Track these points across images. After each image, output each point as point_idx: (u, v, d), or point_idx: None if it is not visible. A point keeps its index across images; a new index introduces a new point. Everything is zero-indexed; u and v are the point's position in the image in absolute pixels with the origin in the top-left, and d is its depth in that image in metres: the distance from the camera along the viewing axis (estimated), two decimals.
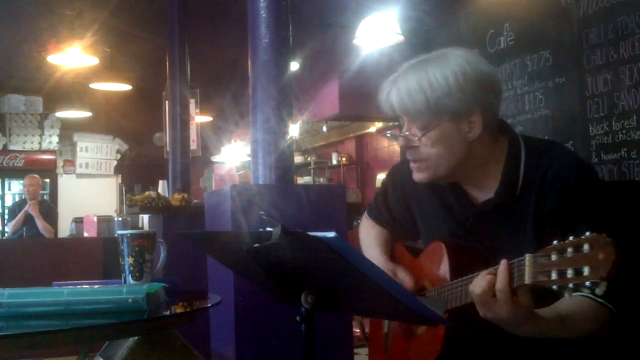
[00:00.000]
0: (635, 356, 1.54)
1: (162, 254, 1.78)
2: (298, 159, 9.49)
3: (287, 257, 1.16)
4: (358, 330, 2.72)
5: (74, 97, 8.17)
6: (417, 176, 1.47)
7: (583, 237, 1.03)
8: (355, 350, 2.58)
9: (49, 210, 7.06)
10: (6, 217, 8.27)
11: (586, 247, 1.02)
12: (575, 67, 4.04)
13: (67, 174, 10.69)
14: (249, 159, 2.74)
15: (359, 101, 6.99)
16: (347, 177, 9.74)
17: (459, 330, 1.34)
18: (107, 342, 1.78)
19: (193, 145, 5.59)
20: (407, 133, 1.43)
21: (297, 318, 1.19)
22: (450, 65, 1.38)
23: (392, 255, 1.75)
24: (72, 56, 5.87)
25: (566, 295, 1.05)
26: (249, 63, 2.47)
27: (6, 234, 7.90)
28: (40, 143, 9.99)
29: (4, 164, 9.72)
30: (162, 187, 5.03)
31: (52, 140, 10.05)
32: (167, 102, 5.35)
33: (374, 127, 8.81)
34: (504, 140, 1.46)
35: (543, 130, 4.26)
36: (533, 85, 4.40)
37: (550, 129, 4.23)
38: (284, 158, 2.41)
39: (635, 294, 1.43)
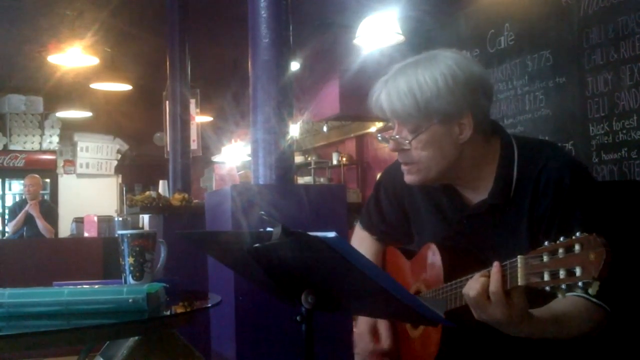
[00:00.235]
0: (632, 356, 1.54)
1: (163, 254, 1.78)
2: (298, 158, 9.48)
3: (287, 257, 1.16)
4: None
5: (75, 97, 8.17)
6: (408, 178, 1.47)
7: (574, 237, 1.03)
8: (355, 350, 2.58)
9: (50, 210, 7.06)
10: (7, 217, 8.28)
11: (577, 247, 1.02)
12: (575, 67, 4.04)
13: (68, 174, 10.70)
14: (250, 158, 2.74)
15: (360, 101, 6.93)
16: (348, 177, 9.74)
17: (455, 332, 1.34)
18: (108, 342, 1.78)
19: (193, 145, 5.59)
20: (397, 136, 1.43)
21: (298, 318, 1.19)
22: (439, 68, 1.37)
23: (383, 264, 1.75)
24: (73, 56, 5.87)
25: (559, 295, 1.05)
26: (250, 63, 2.47)
27: (7, 234, 7.91)
28: (40, 143, 9.99)
29: (5, 164, 9.72)
30: (162, 187, 5.03)
31: (52, 140, 10.06)
32: (167, 102, 5.35)
33: (374, 127, 8.80)
34: (496, 141, 1.45)
35: (543, 130, 4.26)
36: (533, 85, 4.40)
37: (551, 128, 4.23)
38: (284, 158, 2.41)
39: (633, 294, 1.43)
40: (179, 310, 1.65)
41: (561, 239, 1.05)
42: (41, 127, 9.95)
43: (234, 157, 10.00)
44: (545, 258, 1.06)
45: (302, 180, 9.22)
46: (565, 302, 1.27)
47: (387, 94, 1.40)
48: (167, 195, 4.65)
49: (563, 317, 1.26)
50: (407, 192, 1.62)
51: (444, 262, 1.43)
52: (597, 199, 1.37)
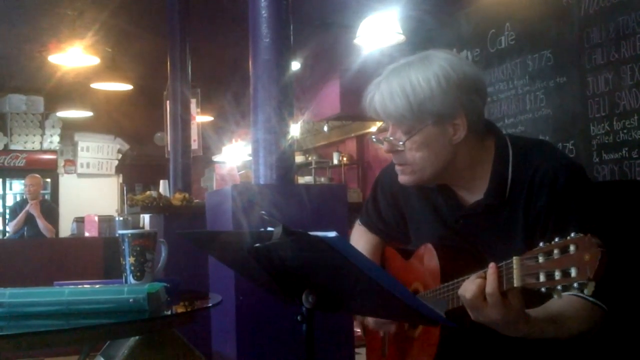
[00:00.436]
0: (630, 355, 1.54)
1: (163, 253, 1.78)
2: (299, 158, 9.47)
3: (288, 257, 1.16)
4: (359, 330, 2.72)
5: (75, 96, 8.17)
6: (403, 179, 1.47)
7: (569, 238, 1.03)
8: (356, 350, 2.58)
9: (50, 210, 7.06)
10: (7, 216, 8.29)
11: (572, 248, 1.02)
12: (576, 66, 4.04)
13: (68, 173, 10.70)
14: (250, 158, 2.74)
15: (360, 101, 6.93)
16: (348, 177, 9.73)
17: (454, 332, 1.34)
18: (108, 341, 1.78)
19: (194, 145, 5.59)
20: (391, 138, 1.43)
21: (298, 318, 1.19)
22: (432, 69, 1.36)
23: (381, 263, 1.75)
24: (73, 56, 5.88)
25: (555, 296, 1.05)
26: (250, 62, 2.47)
27: (7, 234, 7.92)
28: (41, 143, 9.99)
29: (5, 164, 9.72)
30: (163, 186, 5.03)
31: (53, 140, 10.06)
32: (168, 101, 5.35)
33: (375, 126, 8.80)
34: (491, 141, 1.45)
35: (544, 130, 4.26)
36: (534, 84, 4.40)
37: (551, 128, 4.23)
38: (285, 158, 2.41)
39: (631, 293, 1.43)
40: (180, 310, 1.65)
41: (556, 239, 1.05)
42: (42, 126, 9.95)
43: (235, 157, 10.00)
44: (540, 259, 1.06)
45: (302, 180, 9.21)
46: (562, 301, 1.26)
47: (380, 96, 1.40)
48: (167, 195, 4.65)
49: (560, 317, 1.26)
50: (404, 193, 1.62)
51: (440, 263, 1.43)
52: (592, 199, 1.36)
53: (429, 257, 1.47)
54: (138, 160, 11.61)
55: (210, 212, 2.76)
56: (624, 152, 3.73)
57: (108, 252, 5.26)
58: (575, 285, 1.00)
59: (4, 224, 9.52)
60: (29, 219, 6.71)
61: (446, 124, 1.38)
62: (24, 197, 7.18)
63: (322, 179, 9.56)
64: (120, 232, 1.70)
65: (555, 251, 1.04)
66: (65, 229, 8.20)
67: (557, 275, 1.03)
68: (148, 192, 4.28)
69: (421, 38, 5.25)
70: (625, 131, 3.71)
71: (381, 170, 1.76)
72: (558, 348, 1.37)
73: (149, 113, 7.86)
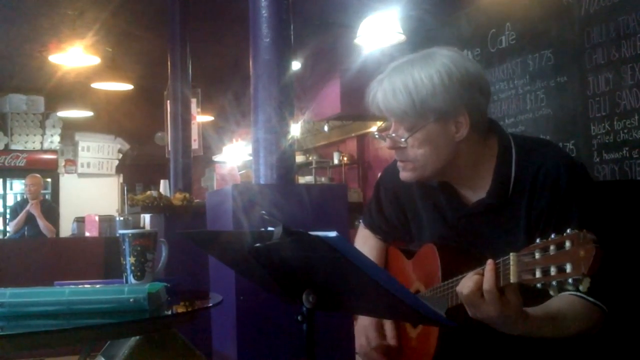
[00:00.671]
0: (630, 355, 1.54)
1: (164, 253, 1.78)
2: (299, 158, 9.47)
3: (288, 257, 1.16)
4: None
5: (76, 96, 8.18)
6: (404, 175, 1.47)
7: (565, 234, 1.03)
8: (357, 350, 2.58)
9: (51, 210, 7.06)
10: (8, 216, 8.29)
11: (568, 244, 1.02)
12: (576, 66, 4.04)
13: (69, 173, 10.70)
14: (251, 158, 2.74)
15: (361, 100, 6.87)
16: (349, 177, 9.73)
17: (453, 330, 1.34)
18: (109, 341, 1.78)
19: (194, 145, 5.59)
20: (393, 134, 1.42)
21: (299, 317, 1.19)
22: (435, 66, 1.37)
23: (384, 263, 1.75)
24: (74, 56, 5.88)
25: (551, 293, 1.05)
26: (251, 62, 2.47)
27: (8, 234, 7.92)
28: (41, 143, 9.99)
29: (6, 164, 9.72)
30: (163, 186, 5.03)
31: (53, 139, 10.06)
32: (168, 101, 5.35)
33: (375, 126, 8.80)
34: (494, 140, 1.45)
35: (544, 130, 4.25)
36: (534, 84, 4.40)
37: (552, 128, 4.23)
38: (285, 157, 2.41)
39: (630, 293, 1.43)
40: (180, 309, 1.65)
41: (552, 236, 1.05)
42: (42, 126, 9.95)
43: (235, 157, 10.00)
44: (537, 255, 1.07)
45: (303, 179, 9.22)
46: (561, 301, 1.27)
47: (383, 93, 1.40)
48: (168, 194, 4.65)
49: (559, 316, 1.26)
50: (406, 192, 1.61)
51: (441, 262, 1.43)
52: (594, 198, 1.37)
53: (430, 256, 1.47)
54: (138, 160, 11.61)
55: (211, 212, 2.76)
56: (624, 151, 3.73)
57: (108, 252, 5.26)
58: (570, 280, 1.01)
59: (5, 224, 9.53)
60: (30, 219, 6.71)
61: (448, 121, 1.38)
62: (25, 197, 7.19)
63: (323, 179, 9.56)
64: (121, 232, 1.70)
65: (552, 247, 1.04)
66: (66, 228, 8.21)
67: (553, 270, 1.03)
68: (148, 192, 4.28)
69: (421, 38, 5.24)
70: (625, 131, 3.71)
71: (383, 170, 1.76)
72: (557, 348, 1.37)
73: (150, 113, 7.86)
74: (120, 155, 11.26)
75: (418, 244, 1.61)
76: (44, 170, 8.99)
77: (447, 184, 1.50)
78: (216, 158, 10.35)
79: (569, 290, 1.05)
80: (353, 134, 9.50)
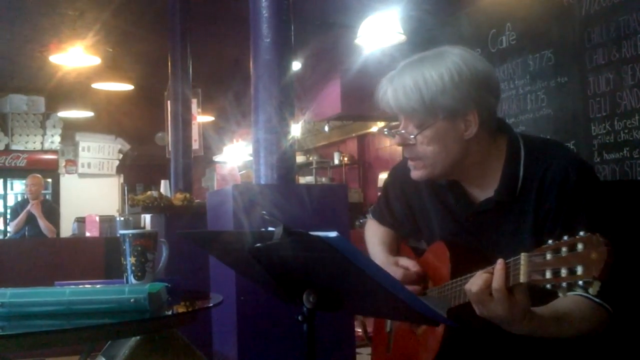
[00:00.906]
0: (634, 356, 1.54)
1: (164, 253, 1.78)
2: (300, 158, 9.48)
3: (288, 257, 1.16)
4: (360, 330, 2.72)
5: (76, 96, 8.18)
6: (415, 174, 1.48)
7: (577, 236, 1.03)
8: (357, 350, 2.59)
9: (51, 210, 7.06)
10: (8, 216, 8.29)
11: (580, 246, 1.02)
12: (577, 66, 4.04)
13: (69, 173, 10.71)
14: (251, 158, 2.74)
15: (361, 101, 6.99)
16: (349, 177, 9.74)
17: (458, 329, 1.34)
18: (109, 341, 1.78)
19: (195, 145, 5.59)
20: (403, 131, 1.43)
21: (299, 318, 1.19)
22: (445, 64, 1.38)
23: (398, 254, 1.75)
24: (74, 56, 5.88)
25: (560, 294, 1.05)
26: (251, 62, 2.47)
27: (8, 234, 7.92)
28: (42, 143, 10.00)
29: (6, 164, 9.73)
30: (164, 186, 5.03)
31: (54, 140, 10.06)
32: (169, 101, 5.35)
33: (375, 126, 8.81)
34: (503, 139, 1.46)
35: (545, 130, 4.25)
36: (535, 84, 4.39)
37: (552, 128, 4.23)
38: (285, 158, 2.41)
39: (635, 294, 1.43)
40: (181, 310, 1.65)
41: (565, 237, 1.05)
42: (43, 127, 9.96)
43: (236, 157, 10.00)
44: (548, 256, 1.07)
45: (303, 180, 9.22)
46: (568, 301, 1.27)
47: (393, 90, 1.41)
48: (168, 195, 4.65)
49: (565, 316, 1.26)
50: (415, 190, 1.63)
51: (451, 260, 1.44)
52: (602, 199, 1.37)
53: (440, 254, 1.48)
54: (139, 160, 11.62)
55: (211, 212, 2.76)
56: (625, 152, 3.72)
57: (109, 252, 5.27)
58: (581, 283, 1.01)
59: (5, 224, 9.53)
60: (30, 219, 6.71)
61: (457, 119, 1.39)
62: (25, 197, 7.19)
63: (323, 179, 9.57)
64: (121, 232, 1.70)
65: (564, 249, 1.04)
66: (66, 229, 8.21)
67: (564, 272, 1.03)
68: (149, 192, 4.28)
69: (422, 38, 5.24)
70: (626, 131, 3.71)
71: (391, 169, 1.78)
72: (561, 348, 1.37)
73: (150, 113, 7.86)
74: (121, 156, 11.26)
75: (426, 242, 1.62)
76: (44, 171, 8.99)
77: (456, 183, 1.50)
78: (217, 158, 10.36)
79: (578, 292, 1.05)
80: (353, 134, 9.51)
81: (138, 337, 1.63)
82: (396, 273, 1.58)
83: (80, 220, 6.60)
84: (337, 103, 7.27)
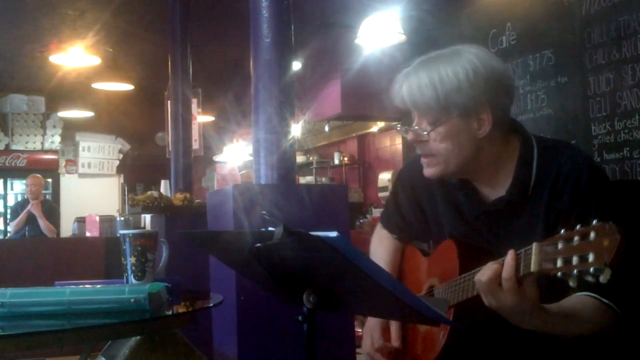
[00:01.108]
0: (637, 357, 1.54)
1: (164, 253, 1.78)
2: (300, 158, 9.48)
3: (289, 257, 1.16)
4: (360, 330, 2.72)
5: (76, 96, 8.18)
6: (428, 172, 1.48)
7: (590, 225, 1.04)
8: (357, 350, 2.58)
9: (52, 210, 7.06)
10: (9, 216, 8.29)
11: (592, 235, 1.03)
12: (577, 66, 4.04)
13: (70, 173, 10.70)
14: (251, 158, 2.74)
15: (361, 101, 6.99)
16: (349, 177, 9.74)
17: (463, 325, 1.35)
18: (110, 341, 1.78)
19: (195, 145, 5.59)
20: (416, 127, 1.44)
21: (299, 318, 1.19)
22: (461, 62, 1.39)
23: (400, 264, 1.76)
24: (74, 56, 5.88)
25: (571, 283, 1.06)
26: (251, 62, 2.47)
27: (9, 234, 7.92)
28: (42, 143, 10.00)
29: (7, 164, 9.73)
30: (164, 186, 5.03)
31: (54, 140, 10.06)
32: (169, 101, 5.35)
33: (376, 126, 8.81)
34: (516, 139, 1.46)
35: (545, 130, 4.25)
36: (535, 84, 4.40)
37: (553, 128, 4.23)
38: (286, 158, 2.41)
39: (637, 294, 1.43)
40: (181, 309, 1.65)
41: (578, 227, 1.06)
42: (43, 126, 9.96)
43: (236, 157, 10.00)
44: (560, 245, 1.08)
45: (303, 180, 9.22)
46: (576, 300, 1.28)
47: (408, 86, 1.42)
48: (168, 195, 4.65)
49: (572, 314, 1.26)
50: (425, 189, 1.63)
51: (459, 258, 1.44)
52: (614, 199, 1.38)
53: (449, 252, 1.49)
54: (139, 160, 11.61)
55: (212, 212, 2.76)
56: (625, 152, 3.72)
57: (109, 252, 5.27)
58: (592, 270, 1.01)
59: (5, 224, 9.53)
60: (30, 219, 6.71)
61: (471, 117, 1.39)
62: (25, 197, 7.19)
63: (323, 179, 9.56)
64: (122, 232, 1.70)
65: (576, 238, 1.05)
66: (67, 229, 8.21)
67: (575, 260, 1.04)
68: (149, 192, 4.28)
69: (422, 38, 5.24)
70: (626, 131, 3.71)
71: (401, 168, 1.79)
72: (566, 348, 1.37)
73: (150, 113, 7.87)
74: (121, 156, 11.25)
75: (436, 241, 1.63)
76: (44, 171, 8.99)
77: (467, 182, 1.51)
78: (217, 158, 10.36)
79: (588, 281, 1.05)
80: (354, 134, 9.50)
81: (138, 337, 1.63)
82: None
83: (80, 220, 6.60)
84: (337, 103, 7.27)
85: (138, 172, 11.53)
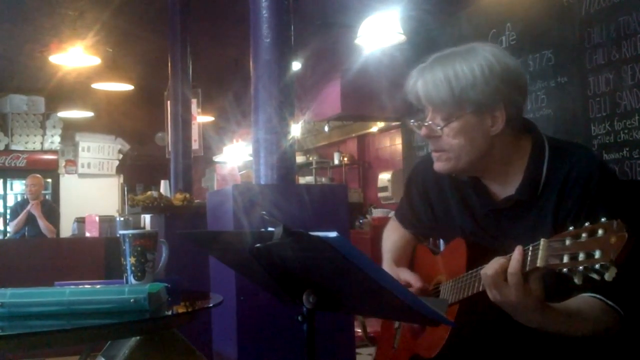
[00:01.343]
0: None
1: (164, 253, 1.78)
2: (300, 158, 9.48)
3: (288, 257, 1.16)
4: (359, 330, 2.72)
5: (76, 97, 8.18)
6: (437, 166, 1.49)
7: (599, 222, 1.04)
8: (357, 350, 2.58)
9: (51, 210, 7.06)
10: (8, 216, 8.28)
11: (600, 232, 1.03)
12: (577, 66, 4.04)
13: (69, 173, 10.70)
14: (251, 158, 2.74)
15: (361, 101, 6.99)
16: (349, 177, 9.74)
17: (464, 326, 1.35)
18: (109, 342, 1.78)
19: (195, 145, 5.59)
20: (430, 122, 1.45)
21: (299, 318, 1.19)
22: (477, 59, 1.39)
23: (411, 259, 1.78)
24: (74, 56, 5.88)
25: (576, 280, 1.06)
26: (251, 63, 2.47)
27: (8, 234, 7.92)
28: (42, 143, 10.00)
29: (6, 164, 9.73)
30: (164, 187, 5.03)
31: (54, 140, 10.06)
32: (168, 101, 5.35)
33: (375, 126, 8.81)
34: (528, 138, 1.47)
35: (545, 130, 4.21)
36: (535, 84, 4.40)
37: (552, 128, 4.23)
38: (285, 158, 2.41)
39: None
40: (181, 310, 1.65)
41: (586, 224, 1.06)
42: (43, 127, 9.96)
43: (236, 157, 10.00)
44: (567, 242, 1.08)
45: (303, 180, 9.22)
46: (581, 300, 1.28)
47: (423, 81, 1.43)
48: (168, 195, 4.65)
49: (576, 314, 1.27)
50: (436, 187, 1.64)
51: (467, 255, 1.45)
52: (624, 201, 1.38)
53: (459, 250, 1.49)
54: (139, 160, 11.62)
55: (211, 212, 2.76)
56: (624, 152, 3.72)
57: (109, 252, 5.26)
58: (597, 266, 1.01)
59: (5, 224, 9.53)
60: (30, 219, 6.71)
61: (485, 114, 1.40)
62: (25, 197, 7.19)
63: (323, 179, 9.57)
64: (121, 232, 1.70)
65: (584, 235, 1.06)
66: (66, 229, 8.20)
67: (581, 256, 1.04)
68: (149, 192, 4.28)
69: (422, 38, 5.24)
70: (626, 131, 3.71)
71: (413, 167, 1.81)
72: (569, 348, 1.37)
73: (150, 113, 7.86)
74: (121, 156, 11.26)
75: (446, 239, 1.64)
76: (44, 171, 8.99)
77: (477, 180, 1.51)
78: (217, 158, 10.36)
79: (594, 278, 1.05)
80: (353, 134, 9.50)
81: (138, 337, 1.63)
82: None
83: (80, 221, 6.59)
84: (337, 103, 7.27)
85: (138, 172, 11.53)
